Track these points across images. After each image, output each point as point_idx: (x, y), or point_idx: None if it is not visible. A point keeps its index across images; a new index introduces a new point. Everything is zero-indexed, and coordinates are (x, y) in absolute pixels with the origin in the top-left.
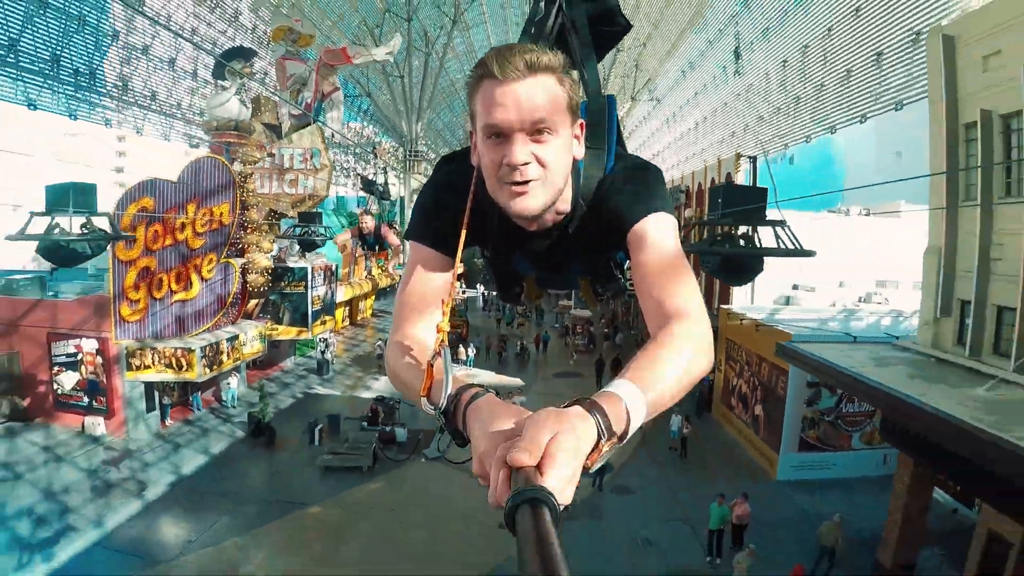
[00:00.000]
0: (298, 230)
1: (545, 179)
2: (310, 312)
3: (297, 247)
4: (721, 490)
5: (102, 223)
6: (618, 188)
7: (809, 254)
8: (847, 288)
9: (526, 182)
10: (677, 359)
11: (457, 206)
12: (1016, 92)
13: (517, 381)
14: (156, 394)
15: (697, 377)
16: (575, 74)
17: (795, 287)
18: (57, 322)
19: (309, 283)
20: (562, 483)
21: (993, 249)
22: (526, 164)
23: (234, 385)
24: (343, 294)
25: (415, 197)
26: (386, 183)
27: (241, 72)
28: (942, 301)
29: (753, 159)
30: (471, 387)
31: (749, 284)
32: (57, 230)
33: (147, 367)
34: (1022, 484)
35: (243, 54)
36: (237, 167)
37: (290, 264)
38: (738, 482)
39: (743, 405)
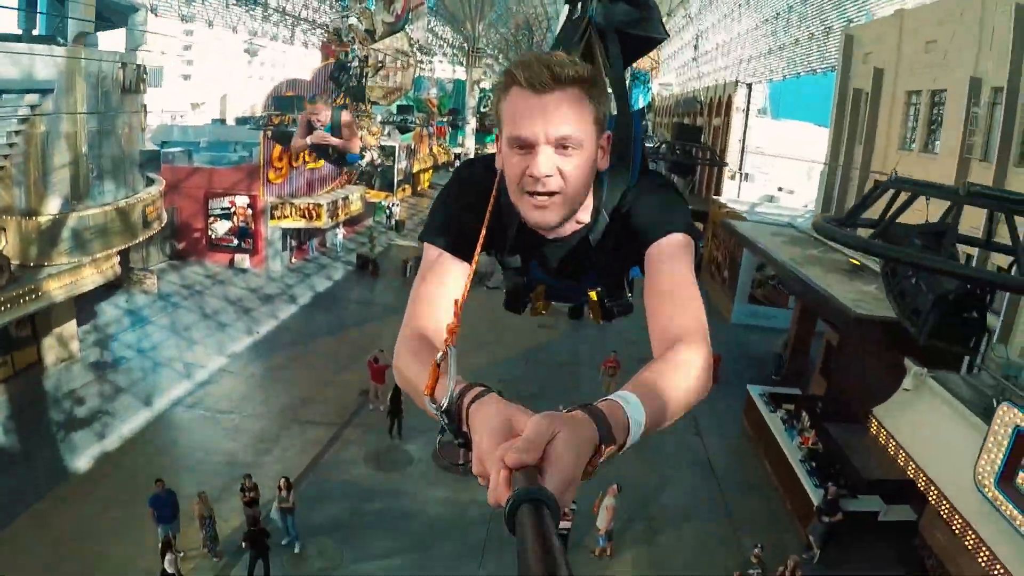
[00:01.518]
0: (397, 119)
1: (566, 192)
2: (395, 180)
3: (387, 129)
4: None
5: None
6: (640, 204)
7: (722, 164)
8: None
9: (547, 194)
10: (681, 382)
11: (475, 210)
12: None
13: None
14: (287, 238)
15: (695, 400)
16: (604, 85)
17: (779, 188)
18: (212, 184)
19: (396, 157)
20: (563, 484)
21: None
22: (549, 176)
23: (340, 235)
24: (414, 167)
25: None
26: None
27: None
28: (824, 200)
29: (749, 85)
30: (475, 386)
31: (737, 182)
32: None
33: (286, 217)
34: (812, 301)
35: None
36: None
37: (383, 143)
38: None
39: (718, 270)
